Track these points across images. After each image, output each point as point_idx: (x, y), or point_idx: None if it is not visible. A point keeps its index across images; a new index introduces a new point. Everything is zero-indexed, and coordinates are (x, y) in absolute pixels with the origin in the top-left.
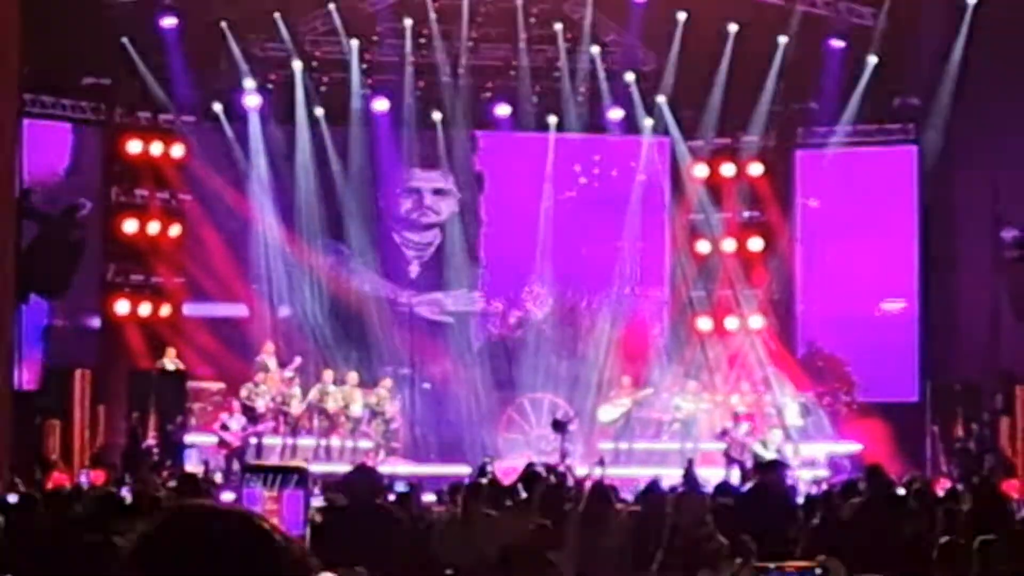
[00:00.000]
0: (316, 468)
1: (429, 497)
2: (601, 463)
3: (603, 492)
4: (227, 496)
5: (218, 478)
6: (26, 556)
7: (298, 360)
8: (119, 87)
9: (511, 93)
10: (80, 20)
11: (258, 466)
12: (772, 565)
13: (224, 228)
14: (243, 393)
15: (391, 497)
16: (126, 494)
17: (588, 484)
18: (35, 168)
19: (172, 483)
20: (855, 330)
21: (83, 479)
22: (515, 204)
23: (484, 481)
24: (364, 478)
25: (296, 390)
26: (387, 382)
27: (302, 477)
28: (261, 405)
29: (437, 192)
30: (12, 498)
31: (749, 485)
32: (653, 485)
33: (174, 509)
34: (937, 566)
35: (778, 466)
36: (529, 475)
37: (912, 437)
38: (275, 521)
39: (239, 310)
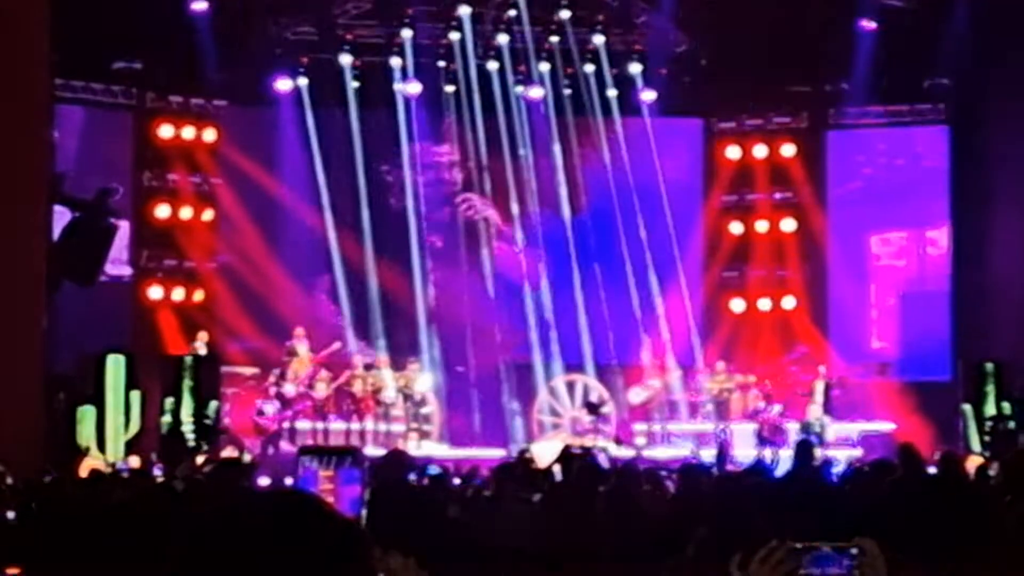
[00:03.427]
0: None
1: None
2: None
3: (631, 473)
4: (263, 481)
5: (248, 460)
6: (61, 541)
7: (337, 345)
8: (150, 71)
9: (544, 75)
10: (110, 4)
11: (313, 448)
12: (807, 545)
13: (257, 212)
14: (271, 379)
15: (420, 479)
16: (158, 474)
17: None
18: (66, 153)
19: (208, 468)
20: (900, 314)
21: (120, 465)
22: (548, 186)
23: (516, 462)
24: (394, 461)
25: (323, 374)
26: (415, 364)
27: (356, 458)
28: (291, 390)
29: (454, 165)
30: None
31: (784, 465)
32: (690, 466)
33: (237, 494)
34: (979, 544)
35: (809, 446)
36: (565, 457)
37: (945, 416)
38: (332, 501)
39: None
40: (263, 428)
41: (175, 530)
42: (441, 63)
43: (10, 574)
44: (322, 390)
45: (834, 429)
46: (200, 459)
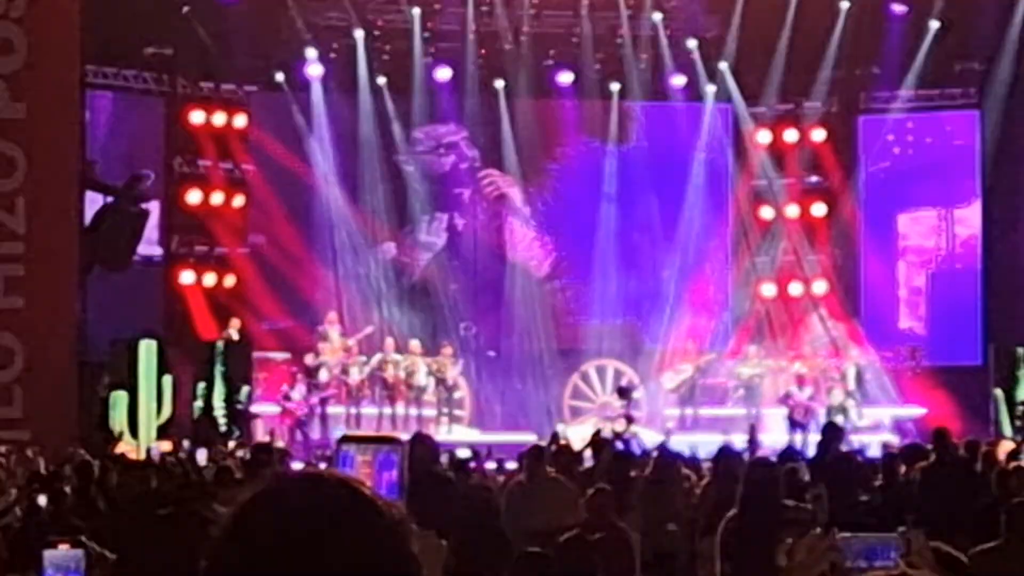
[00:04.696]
0: None
1: (492, 465)
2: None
3: (668, 458)
4: (296, 465)
5: (280, 446)
6: (94, 524)
7: (369, 329)
8: (181, 58)
9: (573, 60)
10: None
11: (353, 437)
12: (853, 535)
13: (287, 197)
14: (309, 361)
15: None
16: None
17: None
18: (98, 140)
19: (240, 453)
20: (929, 292)
21: (152, 450)
22: (579, 171)
23: (549, 446)
24: (421, 446)
25: (357, 359)
26: (447, 349)
27: (394, 444)
28: (324, 375)
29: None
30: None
31: (814, 449)
32: (726, 449)
33: (276, 477)
34: (1007, 528)
35: (836, 428)
36: (596, 442)
37: (976, 400)
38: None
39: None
40: (289, 412)
41: (210, 515)
42: (471, 49)
43: (62, 548)
44: (356, 375)
45: (863, 413)
46: (232, 444)
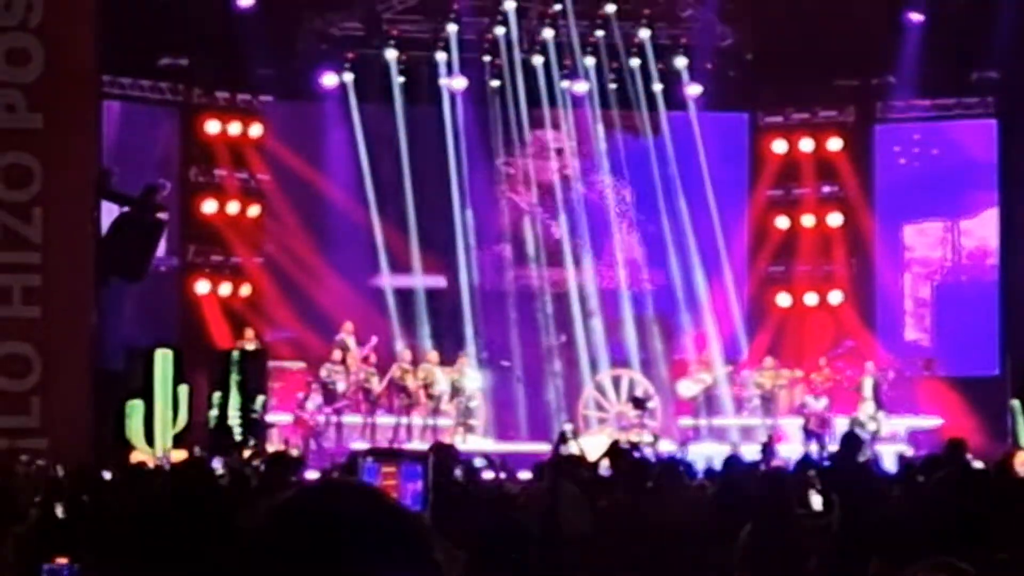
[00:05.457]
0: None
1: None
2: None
3: (674, 468)
4: (311, 475)
5: (295, 455)
6: (108, 535)
7: (374, 340)
8: (196, 67)
9: (590, 69)
10: (156, 1)
11: (378, 450)
12: None
13: (303, 207)
14: (323, 373)
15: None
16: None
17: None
18: (113, 150)
19: (255, 462)
20: (935, 304)
21: (164, 460)
22: (594, 179)
23: (557, 446)
24: (441, 456)
25: (373, 368)
26: (464, 359)
27: (420, 458)
28: (341, 385)
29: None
30: (106, 475)
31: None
32: (732, 459)
33: (300, 487)
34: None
35: (856, 438)
36: (613, 452)
37: (992, 411)
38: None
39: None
40: (303, 422)
41: (224, 524)
42: (486, 58)
43: (59, 563)
44: (376, 384)
45: (881, 424)
46: (247, 453)
